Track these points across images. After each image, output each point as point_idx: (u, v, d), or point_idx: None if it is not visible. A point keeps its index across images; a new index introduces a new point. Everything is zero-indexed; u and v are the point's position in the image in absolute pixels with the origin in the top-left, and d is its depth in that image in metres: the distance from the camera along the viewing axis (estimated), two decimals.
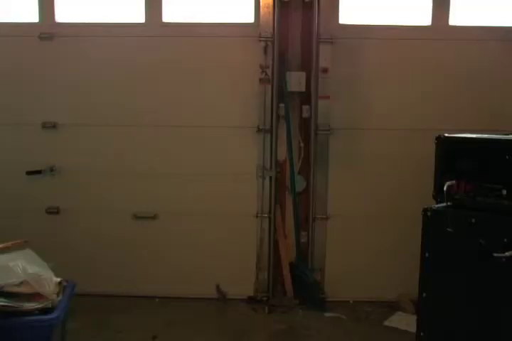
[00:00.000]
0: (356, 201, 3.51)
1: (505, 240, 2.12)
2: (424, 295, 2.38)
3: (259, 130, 3.44)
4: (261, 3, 3.35)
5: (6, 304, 2.32)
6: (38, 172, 3.47)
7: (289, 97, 3.43)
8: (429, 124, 3.33)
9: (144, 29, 3.43)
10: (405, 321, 3.20)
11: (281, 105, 3.44)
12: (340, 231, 3.54)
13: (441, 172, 2.34)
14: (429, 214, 2.32)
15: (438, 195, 2.35)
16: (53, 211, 3.55)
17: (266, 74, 3.37)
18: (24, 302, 2.37)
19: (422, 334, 2.41)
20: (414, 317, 2.58)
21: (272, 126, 3.43)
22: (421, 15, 3.40)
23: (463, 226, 2.22)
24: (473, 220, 2.20)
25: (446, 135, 2.36)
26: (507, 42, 3.37)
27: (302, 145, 3.53)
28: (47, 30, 3.40)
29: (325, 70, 3.38)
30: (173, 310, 3.34)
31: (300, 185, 3.54)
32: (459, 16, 3.38)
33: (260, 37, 3.36)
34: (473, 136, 2.37)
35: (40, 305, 2.40)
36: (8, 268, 2.43)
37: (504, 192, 2.17)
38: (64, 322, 2.66)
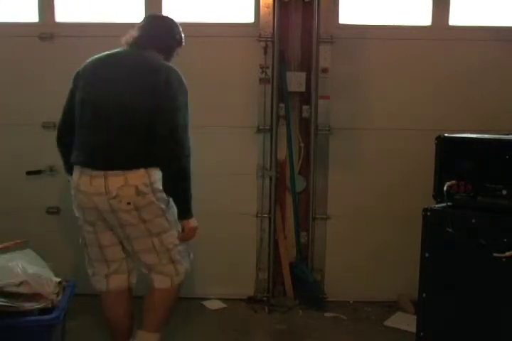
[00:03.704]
0: (356, 201, 3.52)
1: (505, 240, 2.12)
2: (424, 295, 2.38)
3: (259, 130, 3.44)
4: (261, 3, 3.35)
5: (6, 304, 2.33)
6: (38, 172, 3.47)
7: (289, 97, 3.43)
8: (429, 124, 3.33)
9: None
10: (405, 321, 3.20)
11: (281, 105, 3.44)
12: (340, 231, 3.54)
13: (441, 172, 2.34)
14: (429, 214, 2.32)
15: (438, 195, 2.35)
16: (53, 211, 3.55)
17: (266, 74, 3.38)
18: (24, 302, 2.37)
19: (422, 334, 2.41)
20: (414, 317, 2.58)
21: (271, 126, 3.43)
22: (421, 15, 3.40)
23: (463, 226, 2.22)
24: (473, 220, 2.20)
25: (446, 135, 2.36)
26: (507, 42, 3.37)
27: (302, 145, 3.53)
28: (47, 30, 3.40)
29: (325, 70, 3.38)
30: (172, 310, 3.32)
31: (300, 185, 3.54)
32: (459, 16, 3.38)
33: (260, 37, 3.36)
34: (473, 136, 2.37)
35: (40, 305, 2.40)
36: (8, 268, 2.43)
37: (504, 192, 2.17)
38: (64, 322, 2.67)
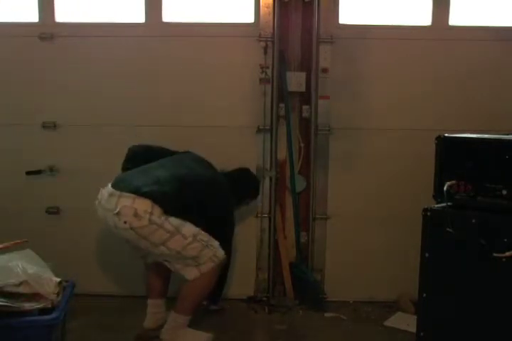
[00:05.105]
0: (356, 201, 3.51)
1: (505, 240, 2.12)
2: (424, 295, 2.38)
3: (259, 130, 3.44)
4: (261, 3, 3.35)
5: (6, 304, 2.33)
6: (38, 172, 3.47)
7: (289, 97, 3.43)
8: (429, 124, 3.33)
9: (144, 29, 3.42)
10: (405, 321, 3.20)
11: (281, 105, 3.44)
12: (340, 231, 3.54)
13: (441, 172, 2.35)
14: (429, 214, 2.32)
15: (438, 195, 2.35)
16: (53, 211, 3.55)
17: (266, 74, 3.38)
18: (24, 302, 2.37)
19: (422, 334, 2.41)
20: (414, 317, 2.58)
21: (271, 126, 3.43)
22: (421, 15, 3.40)
23: (463, 226, 2.22)
24: (473, 220, 2.20)
25: (446, 135, 2.36)
26: (507, 42, 3.37)
27: (302, 145, 3.53)
28: (47, 30, 3.40)
29: (325, 70, 3.38)
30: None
31: (300, 185, 3.53)
32: (459, 16, 3.38)
33: (260, 37, 3.36)
34: (473, 136, 2.37)
35: (40, 305, 2.40)
36: (8, 268, 2.43)
37: (504, 192, 2.17)
38: (64, 322, 2.67)
